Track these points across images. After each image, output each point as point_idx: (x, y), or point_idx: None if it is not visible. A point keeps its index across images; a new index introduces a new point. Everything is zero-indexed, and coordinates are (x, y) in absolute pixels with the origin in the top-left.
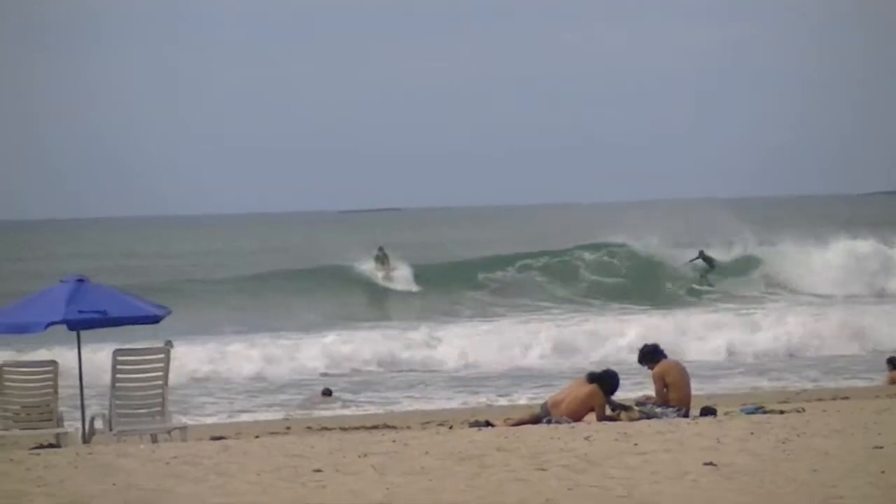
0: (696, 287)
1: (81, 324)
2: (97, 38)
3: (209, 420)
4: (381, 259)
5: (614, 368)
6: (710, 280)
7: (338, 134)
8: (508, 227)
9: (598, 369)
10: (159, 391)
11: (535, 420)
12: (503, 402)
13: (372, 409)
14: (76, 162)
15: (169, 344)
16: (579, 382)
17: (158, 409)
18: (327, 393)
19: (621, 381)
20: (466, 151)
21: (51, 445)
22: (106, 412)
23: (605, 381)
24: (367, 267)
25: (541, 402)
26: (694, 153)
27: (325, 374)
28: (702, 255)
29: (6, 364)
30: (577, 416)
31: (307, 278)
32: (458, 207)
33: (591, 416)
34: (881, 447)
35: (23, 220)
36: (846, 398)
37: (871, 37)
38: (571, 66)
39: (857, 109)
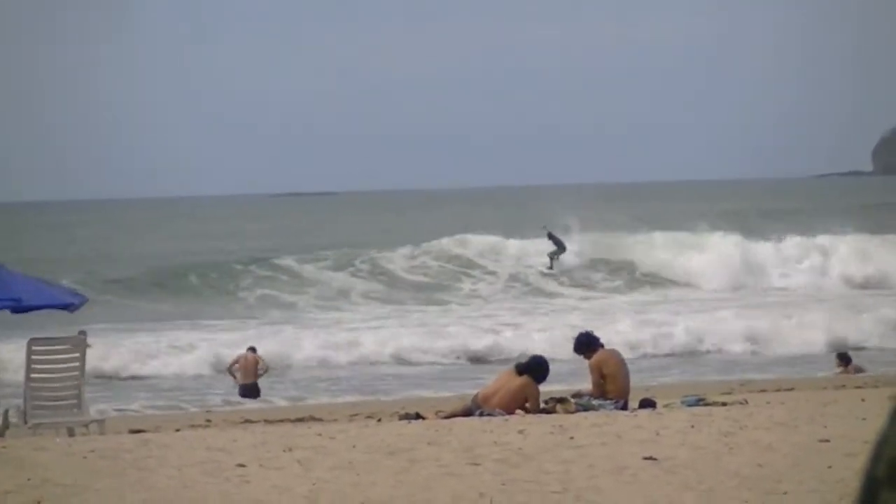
0: (545, 271)
1: None
2: None
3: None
4: None
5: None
6: (553, 263)
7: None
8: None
9: (523, 360)
10: (76, 382)
11: (467, 412)
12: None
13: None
14: None
15: (83, 334)
16: (508, 374)
17: (75, 401)
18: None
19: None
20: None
21: None
22: (21, 404)
23: (536, 370)
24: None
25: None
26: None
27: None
28: (550, 236)
29: None
30: (510, 410)
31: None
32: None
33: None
34: (827, 440)
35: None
36: (791, 390)
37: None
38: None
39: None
